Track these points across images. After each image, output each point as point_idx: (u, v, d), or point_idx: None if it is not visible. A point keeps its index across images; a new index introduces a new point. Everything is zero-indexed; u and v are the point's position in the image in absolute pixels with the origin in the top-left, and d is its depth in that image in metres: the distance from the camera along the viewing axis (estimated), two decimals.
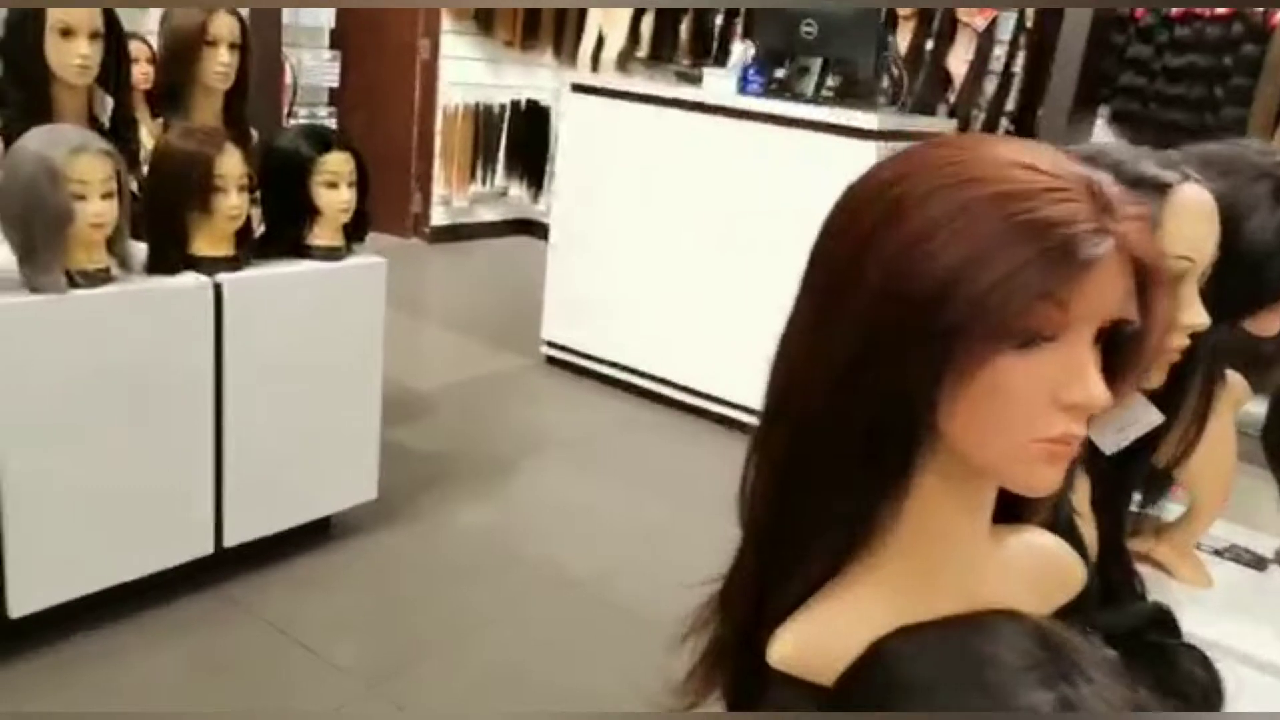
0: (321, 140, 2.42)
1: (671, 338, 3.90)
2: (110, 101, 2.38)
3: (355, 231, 2.54)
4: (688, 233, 3.82)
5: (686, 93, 3.87)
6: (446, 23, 6.16)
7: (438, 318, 4.70)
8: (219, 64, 2.51)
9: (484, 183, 6.54)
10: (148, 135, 2.63)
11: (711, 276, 3.77)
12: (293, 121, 5.33)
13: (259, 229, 2.40)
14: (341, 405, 2.55)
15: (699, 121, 3.76)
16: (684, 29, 5.76)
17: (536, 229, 6.76)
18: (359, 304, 2.54)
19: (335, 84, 5.85)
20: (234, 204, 2.20)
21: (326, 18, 5.73)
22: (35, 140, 1.94)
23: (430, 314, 4.86)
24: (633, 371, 4.03)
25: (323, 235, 2.46)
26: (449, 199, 6.42)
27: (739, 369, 3.71)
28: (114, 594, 2.17)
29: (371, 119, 6.12)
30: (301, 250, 2.44)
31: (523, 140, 6.56)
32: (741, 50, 3.95)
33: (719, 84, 3.82)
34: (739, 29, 5.52)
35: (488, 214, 6.71)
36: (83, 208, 1.94)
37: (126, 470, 2.12)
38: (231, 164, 2.19)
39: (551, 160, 6.59)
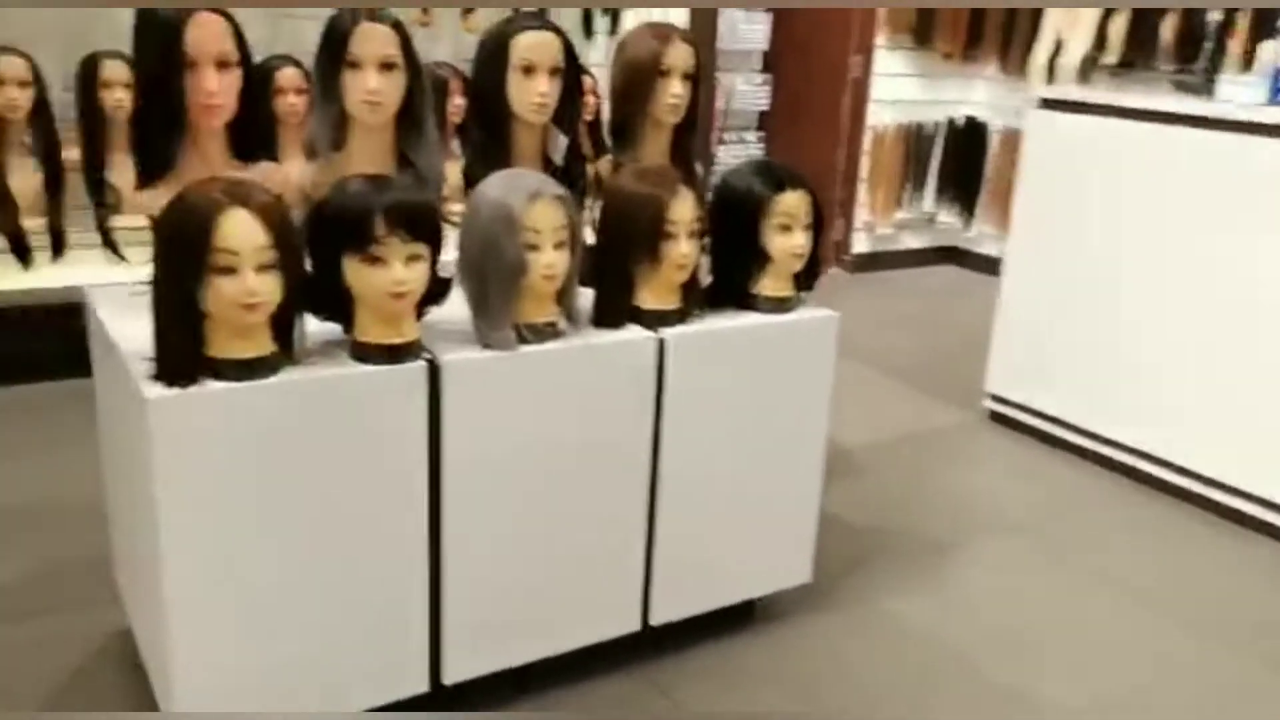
0: (775, 178, 2.14)
1: (1162, 405, 3.20)
2: (563, 140, 2.28)
3: (806, 280, 2.25)
4: (1191, 277, 3.11)
5: (1193, 106, 3.16)
6: (881, 38, 5.79)
7: (862, 358, 4.31)
8: (672, 96, 2.32)
9: (911, 208, 6.08)
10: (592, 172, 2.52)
11: (1224, 334, 3.03)
12: (720, 149, 5.25)
13: (705, 277, 2.17)
14: (781, 474, 2.26)
15: (1210, 140, 3.05)
16: (1167, 29, 4.90)
17: (967, 259, 6.18)
18: (807, 363, 2.24)
19: (765, 107, 5.70)
20: (684, 252, 1.98)
21: (760, 38, 5.59)
22: (494, 186, 1.84)
23: (854, 353, 4.47)
24: (1105, 441, 3.38)
25: (772, 284, 2.18)
26: (873, 225, 6.04)
27: (1254, 452, 2.95)
28: (542, 666, 2.04)
29: (796, 142, 5.92)
30: (746, 300, 2.19)
31: (956, 161, 6.02)
32: (1273, 52, 3.16)
33: (1242, 93, 3.07)
34: (1237, 27, 4.58)
35: (913, 241, 6.24)
36: (535, 258, 1.80)
37: (564, 536, 1.98)
38: (684, 208, 1.98)
39: (986, 183, 5.99)
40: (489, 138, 2.19)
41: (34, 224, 3.27)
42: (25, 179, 3.25)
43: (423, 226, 1.66)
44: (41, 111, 3.28)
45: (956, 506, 3.12)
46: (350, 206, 1.63)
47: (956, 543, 2.85)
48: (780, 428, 2.22)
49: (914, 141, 5.96)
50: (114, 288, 1.98)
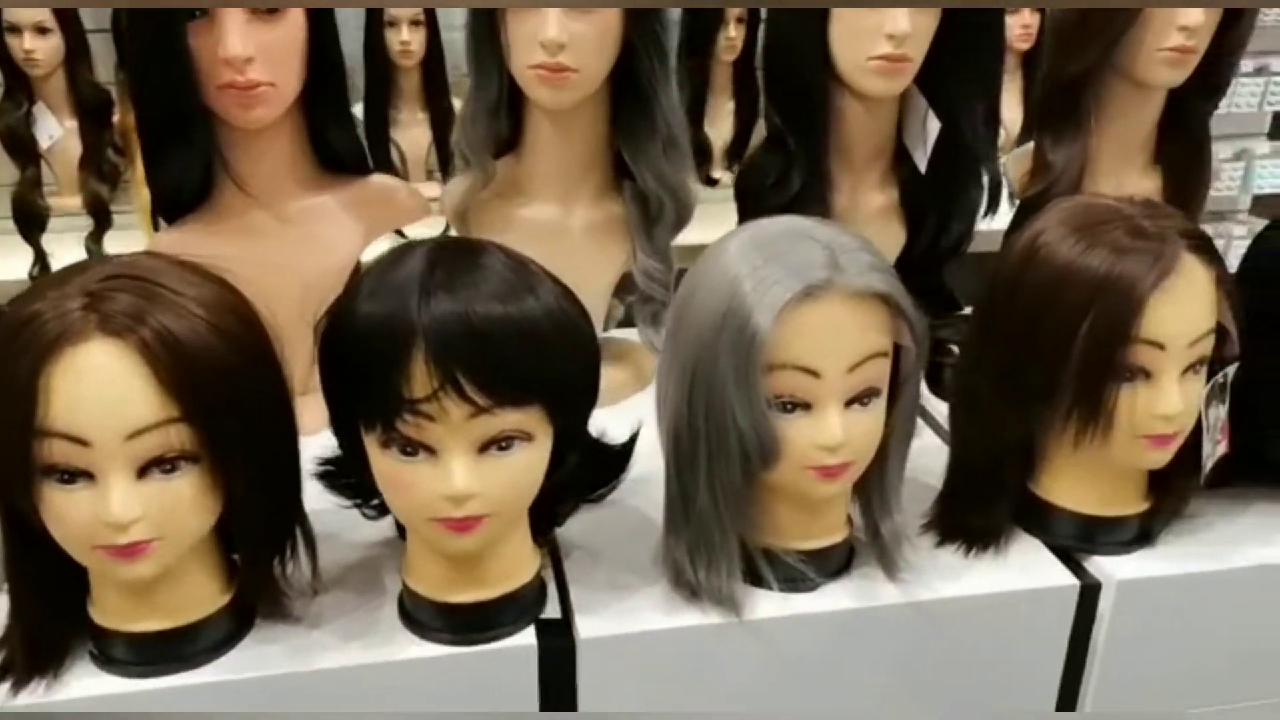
0: None
1: None
2: (934, 125, 1.20)
3: None
4: None
5: None
6: None
7: None
8: (1177, 32, 1.16)
9: None
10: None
11: None
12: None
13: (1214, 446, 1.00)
14: None
15: None
16: None
17: None
18: None
19: None
20: (1169, 411, 0.86)
21: None
22: (736, 255, 0.83)
23: None
24: None
25: None
26: None
27: None
28: None
29: None
30: None
31: None
32: None
33: None
34: None
35: None
36: (801, 428, 0.81)
37: None
38: (1179, 311, 0.85)
39: None
40: (789, 116, 1.20)
41: None
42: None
43: (530, 370, 0.74)
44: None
45: None
46: (361, 325, 0.74)
47: None
48: None
49: None
50: None
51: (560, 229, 1.18)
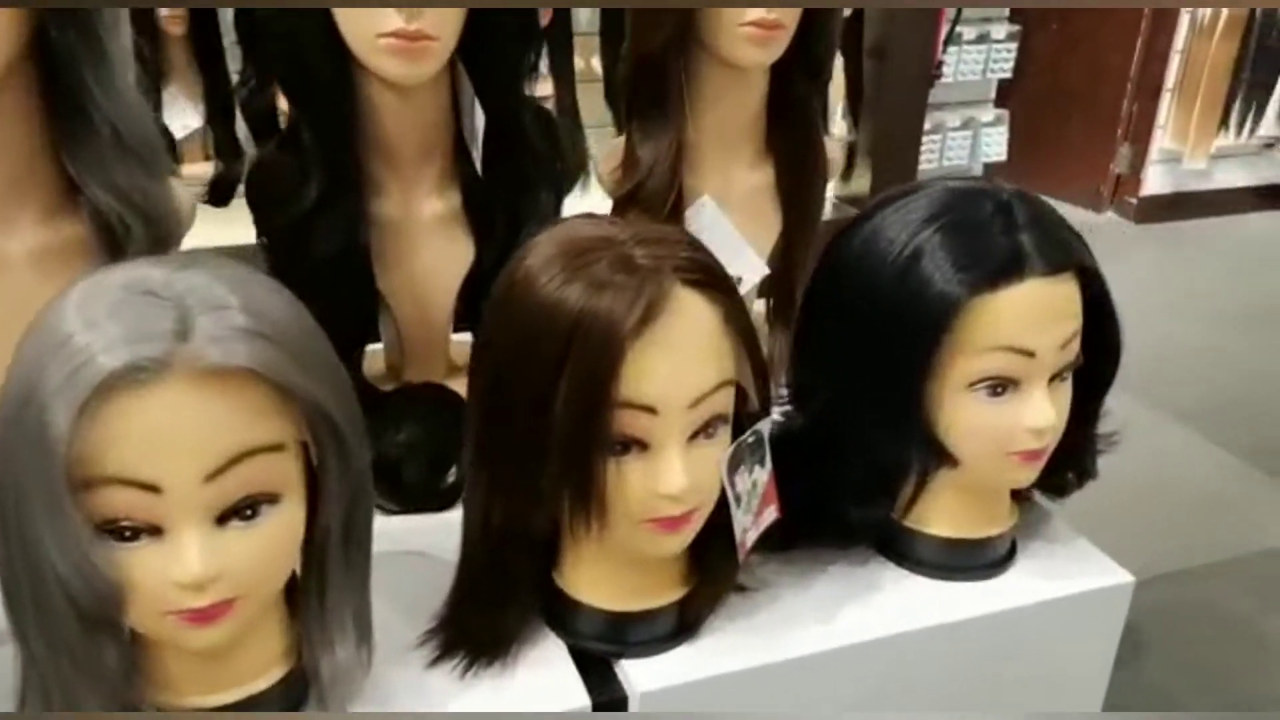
0: (985, 250, 0.76)
1: None
2: (479, 119, 1.00)
3: (1053, 483, 0.89)
4: None
5: None
6: None
7: (1143, 381, 2.66)
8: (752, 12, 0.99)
9: (1240, 132, 4.24)
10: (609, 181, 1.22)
11: None
12: (950, 55, 3.64)
13: (758, 515, 0.84)
14: None
15: None
16: None
17: None
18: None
19: None
20: (670, 488, 0.68)
21: None
22: (53, 325, 0.59)
23: (1128, 371, 2.90)
24: None
25: (956, 511, 0.85)
26: (1177, 156, 4.27)
27: None
28: None
29: (1071, 37, 4.23)
30: (889, 541, 0.87)
31: None
32: None
33: None
34: None
35: (1235, 178, 4.42)
36: (146, 562, 0.58)
37: None
38: (669, 359, 0.67)
39: None
40: (301, 104, 0.97)
41: None
42: None
43: None
44: None
45: None
46: None
47: None
48: None
49: (1255, 37, 4.07)
50: None
51: None
